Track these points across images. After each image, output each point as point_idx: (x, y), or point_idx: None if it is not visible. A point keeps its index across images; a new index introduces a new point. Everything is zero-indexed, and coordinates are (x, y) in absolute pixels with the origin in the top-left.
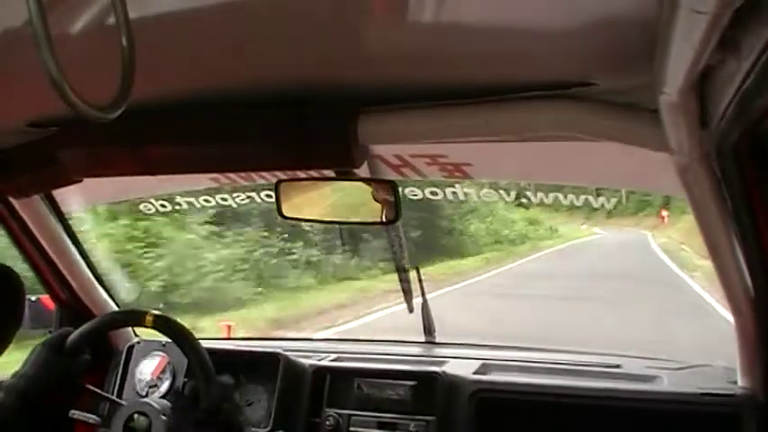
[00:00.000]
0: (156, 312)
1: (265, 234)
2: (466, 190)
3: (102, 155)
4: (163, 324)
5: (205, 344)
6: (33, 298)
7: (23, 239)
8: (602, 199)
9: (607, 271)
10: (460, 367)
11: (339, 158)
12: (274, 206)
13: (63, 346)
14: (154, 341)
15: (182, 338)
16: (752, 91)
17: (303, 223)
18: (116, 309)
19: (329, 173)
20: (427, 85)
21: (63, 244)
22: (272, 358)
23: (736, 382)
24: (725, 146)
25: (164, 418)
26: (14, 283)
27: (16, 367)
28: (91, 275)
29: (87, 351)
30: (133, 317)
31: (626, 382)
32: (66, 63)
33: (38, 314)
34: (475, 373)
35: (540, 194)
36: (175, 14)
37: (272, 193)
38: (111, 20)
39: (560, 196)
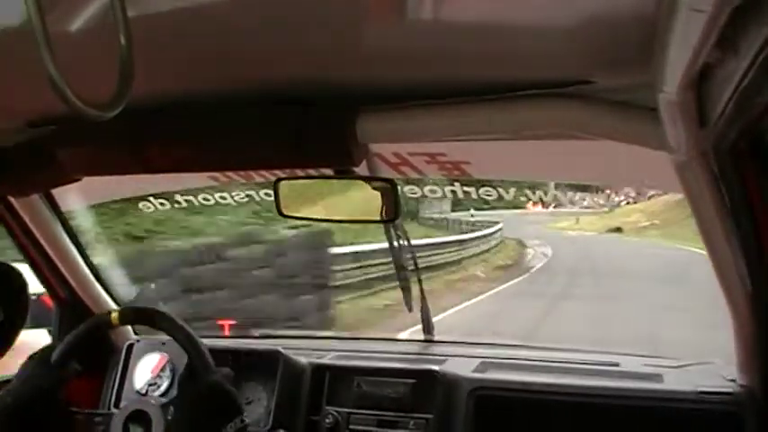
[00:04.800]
0: (119, 308)
1: None
2: None
3: (101, 153)
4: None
5: (203, 341)
6: (34, 296)
7: (23, 238)
8: None
9: None
10: (459, 365)
11: (338, 157)
12: None
13: (50, 359)
14: (154, 340)
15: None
16: (750, 90)
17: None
18: (115, 307)
19: (328, 171)
20: (427, 84)
21: (62, 243)
22: (271, 356)
23: (735, 381)
24: (723, 144)
25: (163, 416)
26: (18, 282)
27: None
28: (90, 274)
29: (75, 361)
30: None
31: (625, 380)
32: (64, 62)
33: (38, 312)
34: (474, 371)
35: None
36: (174, 13)
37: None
38: (110, 18)
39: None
